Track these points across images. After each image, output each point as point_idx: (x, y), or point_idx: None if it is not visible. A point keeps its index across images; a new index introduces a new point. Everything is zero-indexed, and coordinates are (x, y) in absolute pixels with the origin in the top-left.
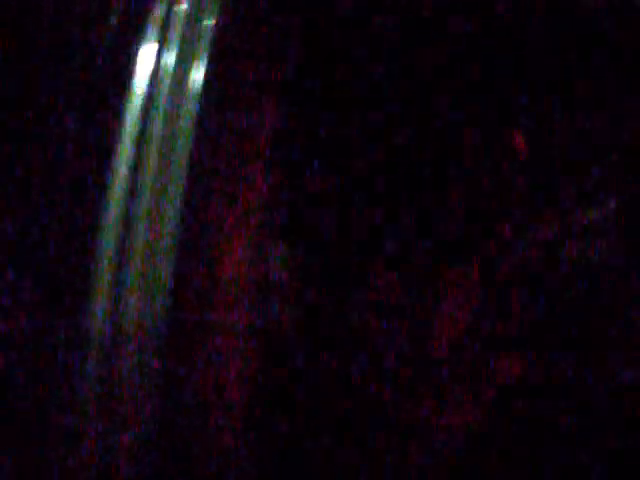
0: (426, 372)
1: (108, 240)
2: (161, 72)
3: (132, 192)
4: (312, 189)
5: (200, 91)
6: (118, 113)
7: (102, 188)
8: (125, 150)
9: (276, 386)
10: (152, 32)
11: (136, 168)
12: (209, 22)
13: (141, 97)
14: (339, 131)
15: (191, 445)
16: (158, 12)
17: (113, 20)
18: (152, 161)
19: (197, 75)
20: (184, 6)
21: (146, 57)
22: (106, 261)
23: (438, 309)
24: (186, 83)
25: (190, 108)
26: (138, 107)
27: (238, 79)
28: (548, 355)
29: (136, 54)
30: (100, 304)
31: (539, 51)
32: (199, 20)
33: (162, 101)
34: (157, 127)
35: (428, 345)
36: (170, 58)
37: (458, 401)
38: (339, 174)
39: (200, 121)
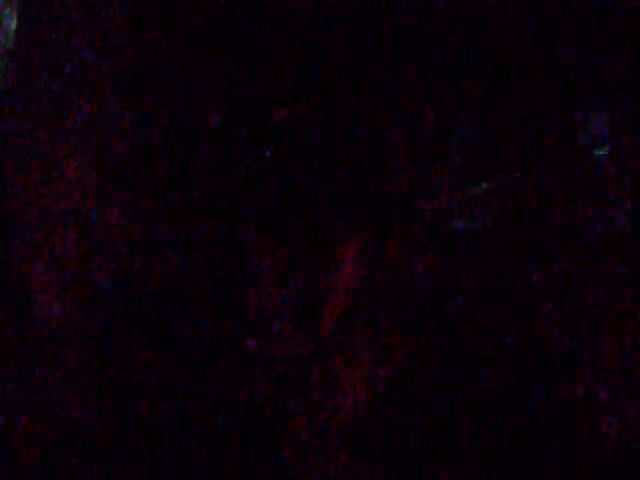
0: (314, 348)
1: None
2: None
3: None
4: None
5: None
6: None
7: None
8: None
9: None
10: None
11: None
12: None
13: None
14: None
15: None
16: None
17: None
18: None
19: None
20: None
21: None
22: None
23: (328, 279)
24: None
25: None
26: None
27: None
28: (442, 337)
29: None
30: None
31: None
32: None
33: None
34: None
35: (316, 317)
36: None
37: (349, 379)
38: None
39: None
